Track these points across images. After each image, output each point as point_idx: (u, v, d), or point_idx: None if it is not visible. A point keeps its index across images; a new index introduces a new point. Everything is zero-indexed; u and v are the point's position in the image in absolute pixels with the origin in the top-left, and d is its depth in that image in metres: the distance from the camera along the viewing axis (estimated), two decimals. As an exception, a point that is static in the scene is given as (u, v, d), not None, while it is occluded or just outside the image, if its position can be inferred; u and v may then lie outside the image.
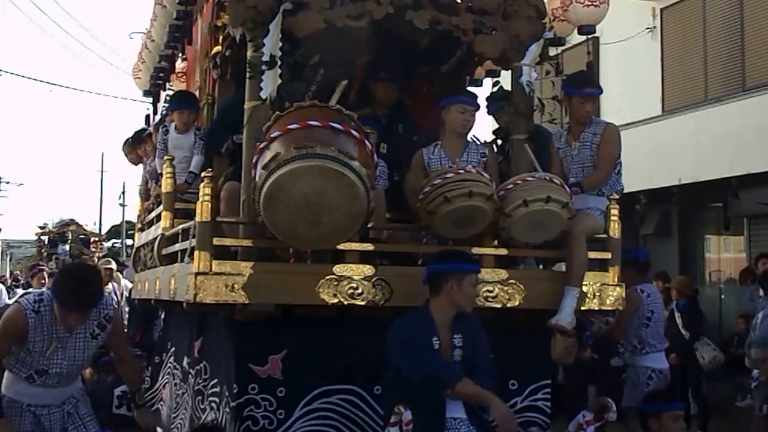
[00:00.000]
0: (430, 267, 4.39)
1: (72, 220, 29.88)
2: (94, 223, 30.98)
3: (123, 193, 38.62)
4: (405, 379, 4.12)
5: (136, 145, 7.59)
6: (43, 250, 28.71)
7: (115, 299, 10.92)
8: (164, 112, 6.83)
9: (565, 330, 4.98)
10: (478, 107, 5.28)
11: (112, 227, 32.06)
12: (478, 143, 5.34)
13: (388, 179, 5.36)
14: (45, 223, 31.38)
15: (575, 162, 5.25)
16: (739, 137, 11.40)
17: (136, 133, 7.75)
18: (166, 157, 5.67)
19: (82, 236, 28.93)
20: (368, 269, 4.57)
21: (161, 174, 5.82)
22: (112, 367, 7.27)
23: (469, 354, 4.24)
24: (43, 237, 29.20)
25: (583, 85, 5.32)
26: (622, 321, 6.67)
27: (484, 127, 6.42)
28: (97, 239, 29.83)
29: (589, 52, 5.66)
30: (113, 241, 31.69)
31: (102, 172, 44.43)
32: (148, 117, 8.21)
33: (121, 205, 38.45)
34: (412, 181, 5.00)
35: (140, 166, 7.55)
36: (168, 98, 7.22)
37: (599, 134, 5.23)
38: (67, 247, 28.59)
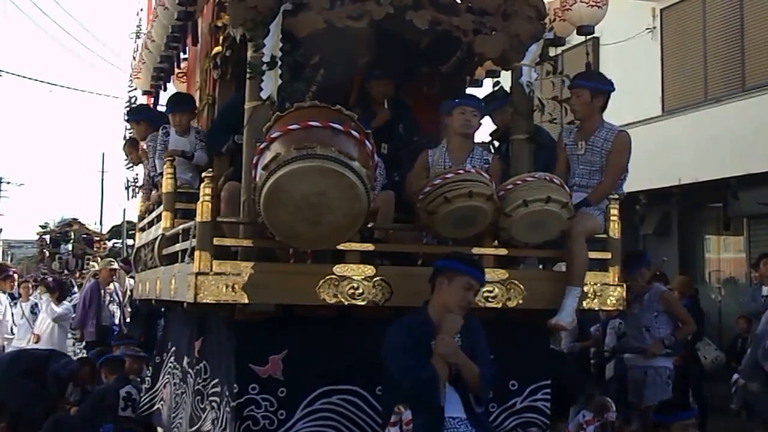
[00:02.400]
0: (434, 264, 4.42)
1: (75, 219, 29.78)
2: (95, 223, 30.96)
3: (127, 189, 38.43)
4: (398, 384, 4.13)
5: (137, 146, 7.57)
6: (45, 250, 28.59)
7: (117, 300, 10.94)
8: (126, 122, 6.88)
9: (565, 330, 4.98)
10: (480, 108, 5.26)
11: (113, 227, 32.00)
12: (483, 148, 5.33)
13: (385, 177, 5.36)
14: (46, 223, 31.27)
15: (581, 163, 5.18)
16: (738, 137, 11.41)
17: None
18: (166, 158, 5.67)
19: (85, 235, 28.85)
20: (369, 269, 4.57)
21: (161, 174, 5.83)
22: (114, 365, 7.28)
23: (468, 354, 4.23)
24: (45, 236, 29.06)
25: (577, 78, 5.31)
26: (688, 317, 6.78)
27: (485, 128, 6.42)
28: (99, 238, 29.80)
29: (588, 53, 5.63)
30: (113, 241, 31.64)
31: (102, 172, 44.40)
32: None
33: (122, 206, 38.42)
34: (416, 181, 5.00)
35: (140, 166, 7.52)
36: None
37: (611, 141, 5.15)
38: (70, 246, 28.52)
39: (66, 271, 23.41)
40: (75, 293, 14.54)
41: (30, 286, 11.65)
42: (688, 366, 9.13)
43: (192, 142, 5.84)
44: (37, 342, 9.92)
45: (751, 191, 11.67)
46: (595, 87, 5.26)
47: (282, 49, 4.62)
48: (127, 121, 6.80)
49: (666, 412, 5.19)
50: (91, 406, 6.65)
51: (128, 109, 6.89)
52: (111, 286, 10.83)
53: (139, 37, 8.03)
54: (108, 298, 10.65)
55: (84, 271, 17.74)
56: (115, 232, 32.05)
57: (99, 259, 26.23)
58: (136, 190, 7.24)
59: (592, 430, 5.08)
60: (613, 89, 5.33)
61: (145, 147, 6.50)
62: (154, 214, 6.20)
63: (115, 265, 11.36)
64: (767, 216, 12.04)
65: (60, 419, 6.88)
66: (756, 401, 7.08)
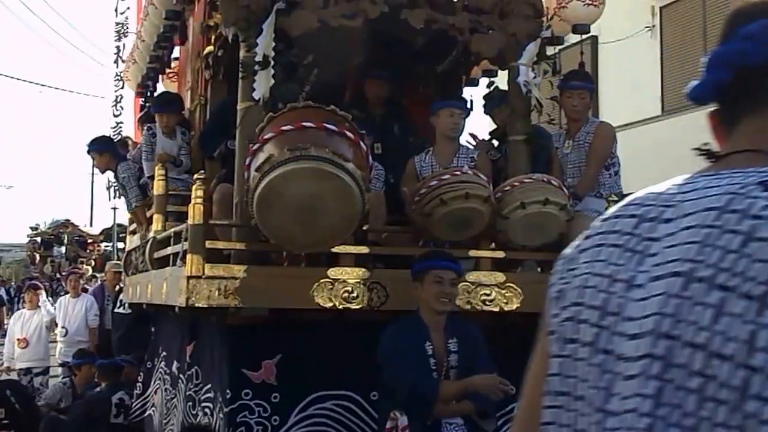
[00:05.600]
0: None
1: (67, 220, 29.57)
2: (85, 226, 30.72)
3: (109, 189, 37.98)
4: (396, 389, 4.05)
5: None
6: (36, 253, 28.34)
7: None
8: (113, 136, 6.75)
9: None
10: (467, 111, 5.23)
11: (104, 230, 31.87)
12: (469, 147, 5.29)
13: (383, 181, 5.31)
14: (37, 224, 31.05)
15: (569, 162, 5.23)
16: (738, 137, 11.35)
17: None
18: (157, 162, 5.60)
19: (78, 237, 28.67)
20: (363, 272, 4.51)
21: (150, 177, 5.76)
22: (108, 371, 7.19)
23: (465, 359, 4.16)
24: (35, 239, 28.79)
25: (570, 79, 5.29)
26: None
27: (482, 127, 6.36)
28: (93, 240, 29.59)
29: (582, 53, 5.62)
30: (104, 244, 31.58)
31: (93, 174, 44.02)
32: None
33: (112, 208, 38.12)
34: (407, 190, 4.93)
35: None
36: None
37: (592, 133, 5.21)
38: (63, 249, 28.33)
39: (58, 275, 23.23)
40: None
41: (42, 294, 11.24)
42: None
43: (178, 144, 5.76)
44: (25, 347, 9.77)
45: (750, 192, 11.61)
46: (592, 88, 5.39)
47: (275, 48, 4.56)
48: (89, 152, 6.60)
49: None
50: (83, 414, 6.57)
51: (90, 140, 6.71)
52: (118, 288, 10.65)
53: (125, 36, 7.96)
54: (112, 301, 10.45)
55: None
56: (106, 235, 31.93)
57: (93, 262, 26.06)
58: (118, 191, 7.06)
59: None
60: None
61: (120, 178, 6.32)
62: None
63: (121, 269, 11.20)
64: None
65: (54, 421, 6.81)
66: None
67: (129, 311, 6.76)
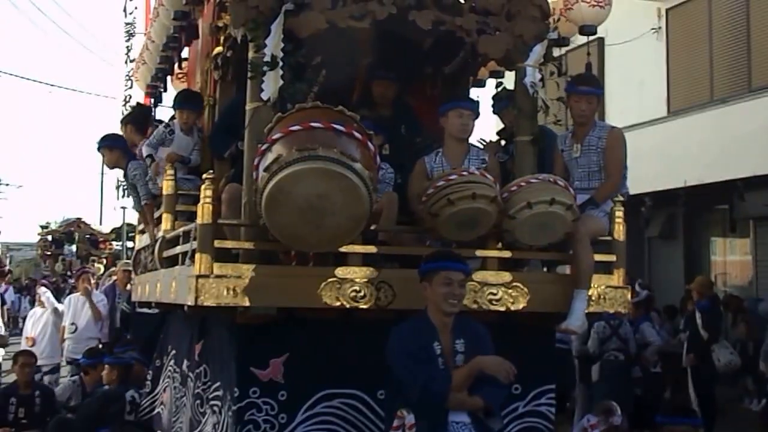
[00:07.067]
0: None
1: (78, 218, 29.54)
2: (94, 225, 30.73)
3: (118, 188, 37.89)
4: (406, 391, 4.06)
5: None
6: (47, 251, 28.29)
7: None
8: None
9: (575, 333, 4.94)
10: (476, 112, 5.23)
11: (113, 229, 31.83)
12: (480, 148, 5.29)
13: (391, 181, 5.33)
14: (48, 223, 31.02)
15: (580, 166, 5.18)
16: (745, 139, 11.35)
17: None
18: (167, 161, 5.63)
19: (90, 236, 28.64)
20: (371, 272, 4.53)
21: (149, 156, 5.81)
22: (119, 369, 7.20)
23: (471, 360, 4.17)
24: (47, 237, 28.72)
25: (579, 84, 5.27)
26: None
27: (488, 128, 6.39)
28: (104, 239, 29.56)
29: (589, 53, 5.63)
30: (115, 242, 31.54)
31: (102, 174, 43.99)
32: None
33: (121, 207, 38.05)
34: (415, 189, 4.94)
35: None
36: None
37: (604, 138, 5.16)
38: (74, 247, 28.32)
39: (69, 273, 23.15)
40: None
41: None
42: (699, 367, 9.08)
43: (194, 141, 5.80)
44: (32, 346, 9.80)
45: (757, 193, 11.61)
46: (600, 92, 5.38)
47: (284, 49, 4.58)
48: (100, 148, 6.57)
49: (666, 412, 5.07)
50: (95, 410, 6.60)
51: (101, 137, 6.70)
52: (129, 287, 10.66)
53: (134, 36, 7.96)
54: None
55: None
56: (117, 233, 31.90)
57: (105, 260, 26.09)
58: (127, 190, 7.05)
59: (597, 435, 5.02)
60: None
61: (130, 176, 6.31)
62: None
63: (131, 268, 11.21)
64: (774, 218, 11.98)
65: (63, 421, 6.84)
66: None
67: (156, 311, 6.77)
